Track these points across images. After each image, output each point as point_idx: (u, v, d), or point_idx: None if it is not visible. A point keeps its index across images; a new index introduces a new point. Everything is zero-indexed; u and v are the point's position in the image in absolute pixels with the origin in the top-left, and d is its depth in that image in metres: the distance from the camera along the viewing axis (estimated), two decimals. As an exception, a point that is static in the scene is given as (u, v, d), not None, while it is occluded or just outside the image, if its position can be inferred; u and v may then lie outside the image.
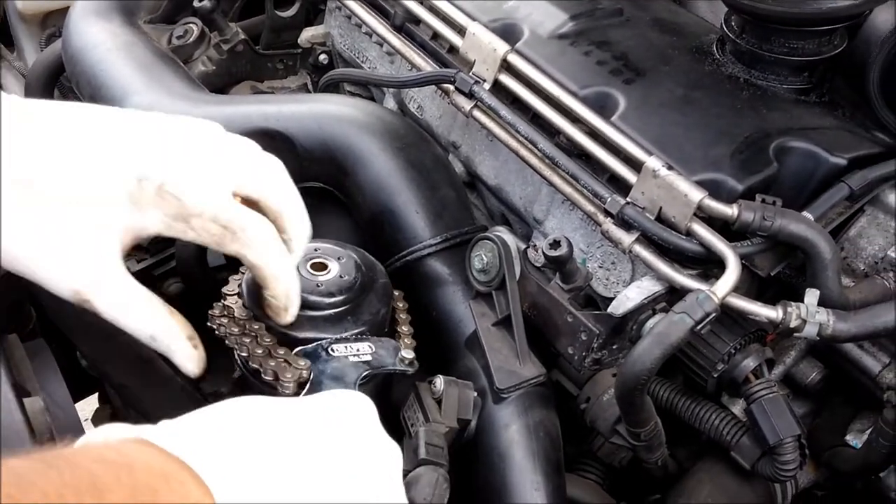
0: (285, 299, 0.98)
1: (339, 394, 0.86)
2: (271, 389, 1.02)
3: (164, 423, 0.72)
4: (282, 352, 1.03)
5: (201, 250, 1.45)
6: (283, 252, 0.95)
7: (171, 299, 1.59)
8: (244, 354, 1.04)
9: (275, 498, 0.69)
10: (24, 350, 1.30)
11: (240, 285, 1.10)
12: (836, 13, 1.24)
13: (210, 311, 1.11)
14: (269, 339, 1.04)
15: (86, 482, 0.59)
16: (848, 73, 1.31)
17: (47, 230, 0.84)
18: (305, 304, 1.06)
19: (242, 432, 0.72)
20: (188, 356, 0.94)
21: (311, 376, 1.00)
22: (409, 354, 1.05)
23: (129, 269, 1.56)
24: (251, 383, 1.07)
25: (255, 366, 1.03)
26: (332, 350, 1.02)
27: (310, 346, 1.03)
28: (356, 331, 1.05)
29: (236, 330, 1.06)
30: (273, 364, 1.02)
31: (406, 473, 1.01)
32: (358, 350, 1.03)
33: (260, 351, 1.03)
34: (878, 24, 1.26)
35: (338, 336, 1.04)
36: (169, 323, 0.93)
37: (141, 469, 0.63)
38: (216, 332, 1.08)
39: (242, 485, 0.67)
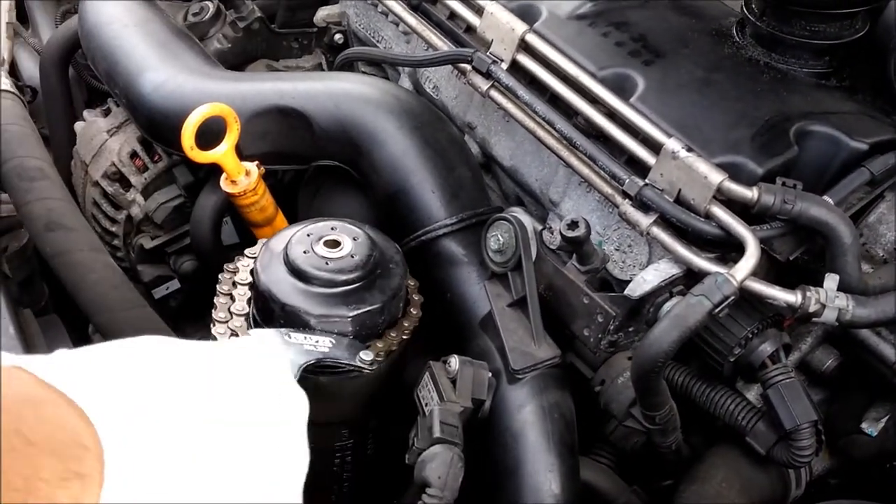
0: None
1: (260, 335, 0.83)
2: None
3: (58, 353, 0.69)
4: (238, 323, 1.04)
5: (216, 228, 1.45)
6: None
7: (185, 276, 1.61)
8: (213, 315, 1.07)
9: (159, 427, 0.66)
10: (37, 325, 1.30)
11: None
12: (858, -4, 1.22)
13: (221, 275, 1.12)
14: (242, 307, 1.05)
15: None
16: (868, 57, 1.30)
17: None
18: (319, 282, 1.06)
19: (137, 367, 0.69)
20: None
21: None
22: (368, 357, 1.03)
23: (143, 245, 1.58)
24: None
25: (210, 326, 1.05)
26: (289, 336, 1.01)
27: (268, 329, 1.02)
28: (368, 308, 1.05)
29: (225, 289, 1.08)
30: (221, 331, 1.03)
31: (420, 452, 1.01)
32: (317, 342, 1.02)
33: (222, 315, 1.05)
34: (898, 9, 1.25)
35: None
36: None
37: (8, 396, 0.60)
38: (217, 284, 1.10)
39: (124, 415, 0.64)
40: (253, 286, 1.10)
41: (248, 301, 1.10)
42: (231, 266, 1.13)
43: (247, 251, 1.14)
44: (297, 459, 0.74)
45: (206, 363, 0.73)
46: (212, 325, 1.06)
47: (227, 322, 1.06)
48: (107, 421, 0.63)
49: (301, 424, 0.75)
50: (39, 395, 0.62)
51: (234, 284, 1.10)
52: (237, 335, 1.02)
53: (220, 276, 1.11)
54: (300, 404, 0.77)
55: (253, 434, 0.71)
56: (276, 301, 1.04)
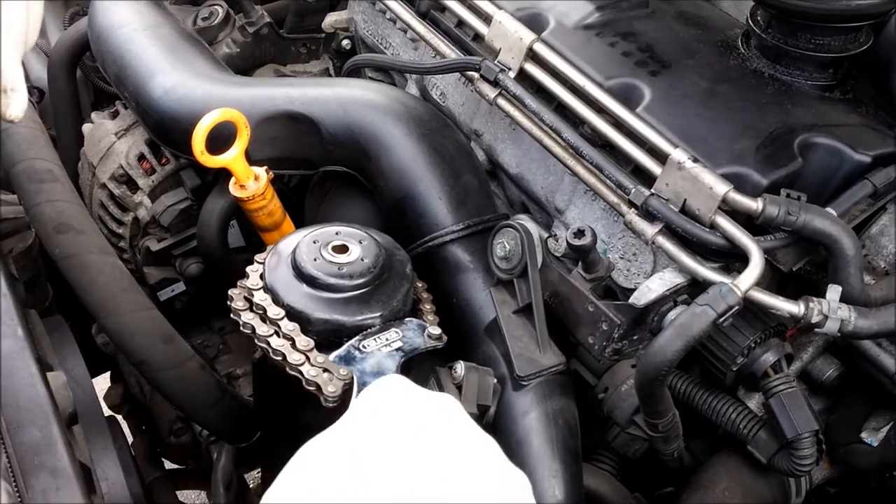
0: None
1: (442, 400, 0.78)
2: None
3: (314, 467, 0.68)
4: (321, 360, 1.03)
5: (223, 232, 1.46)
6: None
7: (191, 279, 1.62)
8: (278, 359, 1.04)
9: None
10: (42, 326, 1.31)
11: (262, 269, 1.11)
12: (862, 10, 1.23)
13: (231, 292, 1.11)
14: (304, 344, 1.03)
15: None
16: (872, 70, 1.31)
17: None
18: (328, 287, 1.07)
19: (395, 466, 0.68)
20: None
21: (354, 380, 1.00)
22: (435, 330, 1.06)
23: (149, 247, 1.59)
24: (271, 365, 1.08)
25: (293, 374, 1.03)
26: (364, 347, 1.03)
27: (342, 349, 1.03)
28: (379, 314, 1.06)
29: (265, 330, 1.06)
30: (314, 374, 1.02)
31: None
32: (387, 339, 1.04)
33: (297, 358, 1.03)
34: (903, 23, 1.26)
35: (363, 332, 1.05)
36: None
37: None
38: (241, 328, 1.09)
39: None
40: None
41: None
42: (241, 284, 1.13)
43: (256, 258, 1.15)
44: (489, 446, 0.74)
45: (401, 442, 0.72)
46: (296, 372, 1.03)
47: (308, 363, 1.04)
48: None
49: (503, 460, 0.75)
50: None
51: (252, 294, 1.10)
52: (331, 372, 1.02)
53: (230, 294, 1.11)
54: (491, 444, 0.76)
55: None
56: (280, 303, 1.05)
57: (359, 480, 0.67)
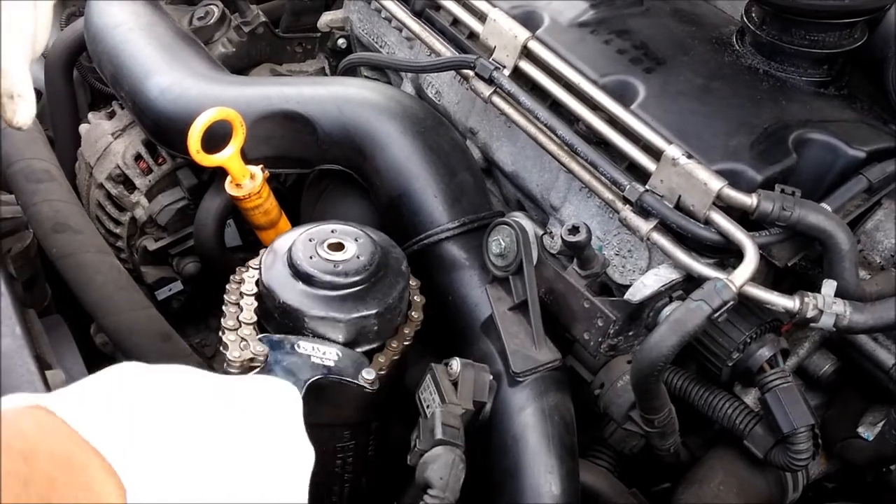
0: (7, 80, 0.85)
1: (271, 381, 0.79)
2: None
3: (70, 392, 0.65)
4: (247, 332, 1.04)
5: (219, 231, 1.46)
6: (6, 23, 0.84)
7: (188, 278, 1.62)
8: (221, 335, 1.05)
9: (180, 488, 0.64)
10: (41, 325, 1.31)
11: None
12: (857, 7, 1.24)
13: (228, 286, 1.12)
14: (246, 318, 1.05)
15: None
16: (867, 66, 1.31)
17: None
18: (323, 284, 1.07)
19: (155, 409, 0.66)
20: None
21: (266, 363, 1.00)
22: (370, 376, 1.04)
23: (146, 247, 1.59)
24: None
25: (220, 335, 1.04)
26: (298, 346, 1.03)
27: (277, 336, 1.03)
28: (374, 311, 1.06)
29: (233, 298, 1.07)
30: (232, 338, 1.03)
31: (422, 453, 1.03)
32: (323, 353, 1.03)
33: (231, 323, 1.04)
34: (897, 19, 1.27)
35: (311, 337, 1.05)
36: None
37: (42, 456, 0.58)
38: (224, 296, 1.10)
39: (149, 472, 0.62)
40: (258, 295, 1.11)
41: (256, 311, 1.10)
42: (237, 277, 1.13)
43: (251, 262, 1.15)
44: (302, 458, 0.74)
45: (221, 403, 0.71)
46: (221, 334, 1.06)
47: (236, 330, 1.06)
48: (127, 469, 0.61)
49: (305, 481, 0.74)
50: (70, 453, 0.60)
51: (241, 295, 1.11)
52: (247, 342, 1.02)
53: (227, 287, 1.12)
54: (307, 459, 0.75)
55: (257, 442, 0.71)
56: (275, 301, 1.05)
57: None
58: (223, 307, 1.09)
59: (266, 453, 0.71)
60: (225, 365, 1.01)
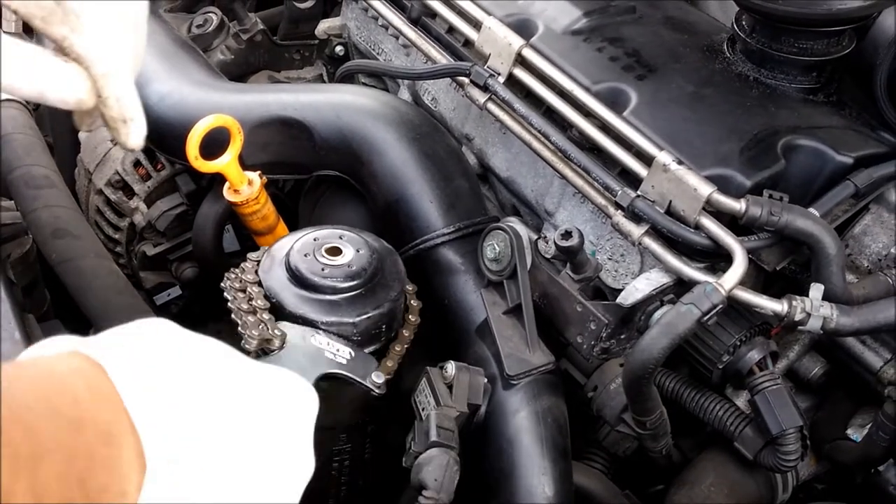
0: (117, 105, 0.86)
1: (295, 379, 0.78)
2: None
3: (112, 344, 0.64)
4: (267, 317, 1.05)
5: (217, 236, 1.48)
6: (117, 50, 0.84)
7: (186, 283, 1.63)
8: (237, 320, 1.06)
9: (191, 476, 0.64)
10: (40, 330, 1.32)
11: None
12: (845, 14, 1.26)
13: (227, 274, 1.14)
14: (261, 304, 1.06)
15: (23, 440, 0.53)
16: (855, 73, 1.33)
17: None
18: (320, 289, 1.09)
19: (188, 381, 0.66)
20: (75, 87, 0.83)
21: (282, 347, 1.02)
22: (379, 379, 1.06)
23: (145, 252, 1.61)
24: None
25: (235, 319, 1.05)
26: (315, 338, 1.04)
27: (297, 324, 1.05)
28: (369, 314, 1.08)
29: (237, 285, 1.09)
30: (251, 319, 1.04)
31: (417, 455, 1.04)
32: (336, 350, 1.05)
33: (245, 306, 1.06)
34: (885, 27, 1.28)
35: (330, 331, 1.07)
36: (60, 69, 0.82)
37: (90, 427, 0.57)
38: (223, 294, 1.11)
39: (168, 457, 0.62)
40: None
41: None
42: (236, 269, 1.15)
43: (250, 255, 1.17)
44: (304, 467, 0.74)
45: (245, 389, 0.71)
46: (236, 317, 1.07)
47: (253, 312, 1.07)
48: (152, 453, 0.61)
49: (300, 491, 0.73)
50: (112, 425, 0.59)
51: (245, 283, 1.12)
52: (266, 325, 1.03)
53: (226, 276, 1.13)
54: (308, 469, 0.75)
55: (268, 439, 0.71)
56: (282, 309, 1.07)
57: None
58: (227, 294, 1.10)
59: (272, 454, 0.71)
60: (243, 341, 1.02)
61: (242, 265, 1.15)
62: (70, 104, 0.84)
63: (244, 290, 1.10)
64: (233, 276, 1.14)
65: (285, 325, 1.04)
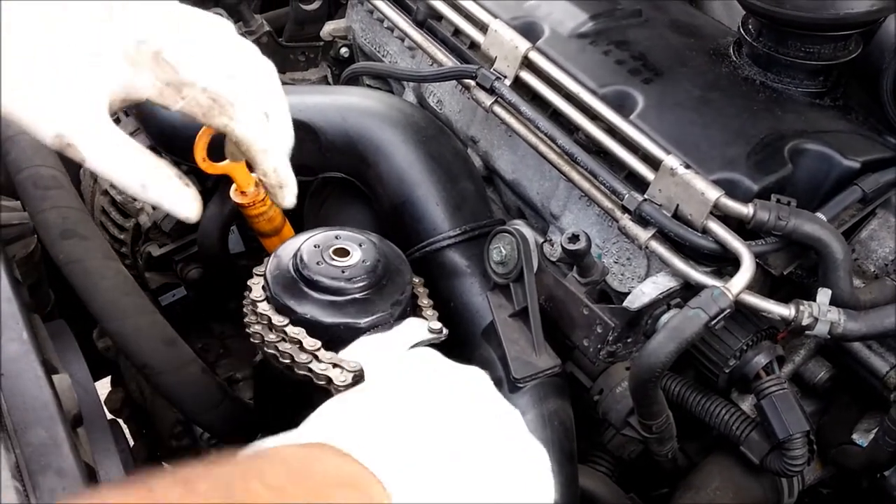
0: (275, 175, 1.01)
1: (467, 371, 0.87)
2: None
3: (331, 418, 0.74)
4: (328, 356, 1.05)
5: (223, 237, 1.48)
6: (270, 128, 0.99)
7: (191, 284, 1.64)
8: (286, 362, 1.06)
9: (448, 496, 0.70)
10: (45, 330, 1.32)
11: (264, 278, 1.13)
12: (852, 19, 1.26)
13: (244, 310, 1.13)
14: (310, 344, 1.05)
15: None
16: (862, 77, 1.33)
17: (37, 73, 0.81)
18: (330, 290, 1.09)
19: (409, 424, 0.74)
20: (184, 197, 0.93)
21: (363, 370, 1.02)
22: (435, 325, 1.09)
23: (150, 253, 1.61)
24: (272, 369, 1.10)
25: (302, 373, 1.05)
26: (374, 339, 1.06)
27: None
28: (381, 314, 1.08)
29: (273, 337, 1.08)
30: (323, 368, 1.04)
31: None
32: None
33: (305, 358, 1.05)
34: (892, 31, 1.29)
35: (372, 329, 1.07)
36: (159, 168, 0.91)
37: (321, 475, 0.65)
38: (251, 339, 1.11)
39: (418, 486, 0.69)
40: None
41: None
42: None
43: (256, 269, 1.17)
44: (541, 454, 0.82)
45: (460, 410, 0.79)
46: (272, 350, 1.07)
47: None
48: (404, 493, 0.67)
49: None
50: (349, 474, 0.67)
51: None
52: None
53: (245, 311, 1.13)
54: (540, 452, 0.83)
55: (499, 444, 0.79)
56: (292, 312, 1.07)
57: (373, 437, 0.71)
58: (266, 347, 1.10)
59: (508, 456, 0.78)
60: (334, 391, 1.02)
61: (251, 296, 1.13)
62: (180, 218, 0.95)
63: (284, 338, 1.08)
64: (257, 326, 1.12)
65: (350, 354, 1.05)
